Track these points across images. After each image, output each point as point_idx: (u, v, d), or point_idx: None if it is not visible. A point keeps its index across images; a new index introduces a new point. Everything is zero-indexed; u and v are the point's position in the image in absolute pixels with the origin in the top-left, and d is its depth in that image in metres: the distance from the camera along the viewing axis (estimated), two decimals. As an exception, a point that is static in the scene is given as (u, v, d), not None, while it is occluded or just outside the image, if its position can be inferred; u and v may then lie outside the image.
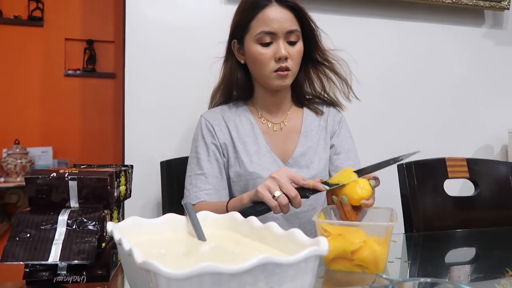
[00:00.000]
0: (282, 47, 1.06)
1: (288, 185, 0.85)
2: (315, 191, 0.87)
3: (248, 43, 1.10)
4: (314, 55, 1.16)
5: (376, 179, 0.86)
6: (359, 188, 0.82)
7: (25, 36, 2.96)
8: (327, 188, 0.86)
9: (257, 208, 0.86)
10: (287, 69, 1.07)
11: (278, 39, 1.06)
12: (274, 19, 1.05)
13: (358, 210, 0.84)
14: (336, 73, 1.18)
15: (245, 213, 0.85)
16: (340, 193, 0.84)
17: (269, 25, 1.05)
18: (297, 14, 1.09)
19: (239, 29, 1.11)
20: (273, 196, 0.84)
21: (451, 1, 1.71)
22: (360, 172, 0.87)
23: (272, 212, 0.86)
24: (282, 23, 1.06)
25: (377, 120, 1.71)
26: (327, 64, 1.17)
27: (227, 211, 0.96)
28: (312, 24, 1.12)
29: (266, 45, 1.07)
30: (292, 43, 1.08)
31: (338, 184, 0.85)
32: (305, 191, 0.86)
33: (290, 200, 0.85)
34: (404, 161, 1.24)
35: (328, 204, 0.92)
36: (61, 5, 3.03)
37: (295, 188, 0.86)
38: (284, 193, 0.84)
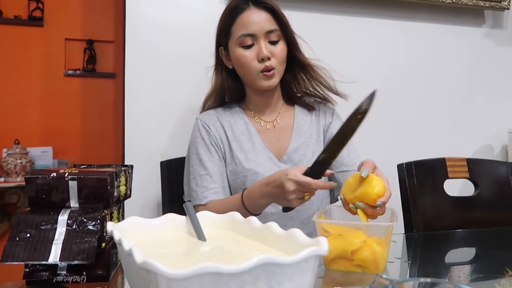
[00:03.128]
0: (263, 47, 1.09)
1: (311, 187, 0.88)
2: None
3: (231, 47, 1.13)
4: (294, 56, 1.17)
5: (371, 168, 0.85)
6: (376, 187, 0.79)
7: (25, 36, 2.96)
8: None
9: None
10: (272, 68, 1.10)
11: (259, 40, 1.09)
12: (253, 21, 1.09)
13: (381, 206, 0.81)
14: (316, 74, 1.18)
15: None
16: (355, 200, 0.81)
17: (248, 28, 1.09)
18: (275, 15, 1.12)
19: (223, 35, 1.15)
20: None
21: (451, 1, 1.71)
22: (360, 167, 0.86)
23: (275, 206, 0.95)
24: (260, 24, 1.09)
25: (377, 120, 1.71)
26: (306, 66, 1.18)
27: (242, 200, 0.99)
28: (288, 25, 1.14)
29: (248, 47, 1.10)
30: (273, 43, 1.11)
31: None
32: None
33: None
34: (403, 161, 1.26)
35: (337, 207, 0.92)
36: (61, 5, 3.03)
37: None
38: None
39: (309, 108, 1.23)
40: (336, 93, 1.21)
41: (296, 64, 1.19)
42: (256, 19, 1.09)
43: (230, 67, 1.17)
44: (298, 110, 1.23)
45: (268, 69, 1.09)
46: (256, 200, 0.97)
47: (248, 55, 1.10)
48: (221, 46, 1.17)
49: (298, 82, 1.21)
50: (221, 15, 1.16)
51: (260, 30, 1.09)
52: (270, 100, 1.20)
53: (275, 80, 1.12)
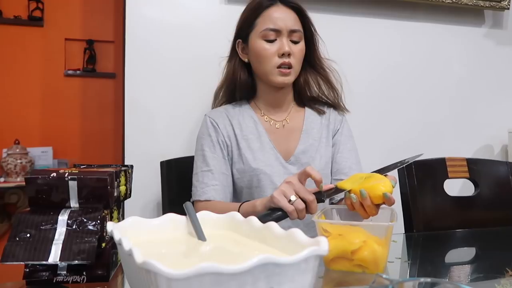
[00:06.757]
0: (285, 44, 1.10)
1: (304, 189, 0.85)
2: (329, 194, 0.87)
3: (253, 39, 1.13)
4: (311, 59, 1.19)
5: (394, 179, 0.86)
6: (382, 186, 0.81)
7: (25, 36, 2.96)
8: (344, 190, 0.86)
9: (273, 214, 0.85)
10: (289, 66, 1.11)
11: (282, 36, 1.11)
12: (279, 17, 1.11)
13: (377, 207, 0.83)
14: (328, 81, 1.21)
15: (262, 220, 0.82)
16: (359, 188, 0.82)
17: (274, 23, 1.10)
18: (300, 16, 1.14)
19: (245, 27, 1.15)
20: (289, 201, 0.84)
21: (451, 1, 1.71)
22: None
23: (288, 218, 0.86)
24: (286, 22, 1.10)
25: (377, 120, 1.71)
26: (321, 71, 1.21)
27: (239, 210, 0.96)
28: (312, 28, 1.17)
29: (271, 41, 1.11)
30: (295, 42, 1.12)
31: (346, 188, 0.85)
32: (320, 195, 0.86)
33: (306, 204, 0.85)
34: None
35: (342, 203, 0.92)
36: (61, 5, 3.03)
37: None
38: (300, 197, 0.84)
39: (320, 111, 1.23)
40: (340, 105, 1.24)
41: (309, 66, 1.20)
42: (283, 16, 1.11)
43: (246, 60, 1.18)
44: (308, 112, 1.23)
45: (286, 66, 1.10)
46: (249, 208, 0.95)
47: (269, 48, 1.10)
48: (240, 39, 1.18)
49: (308, 84, 1.22)
50: (245, 9, 1.17)
51: (285, 27, 1.10)
52: (282, 97, 1.20)
53: (291, 78, 1.13)
